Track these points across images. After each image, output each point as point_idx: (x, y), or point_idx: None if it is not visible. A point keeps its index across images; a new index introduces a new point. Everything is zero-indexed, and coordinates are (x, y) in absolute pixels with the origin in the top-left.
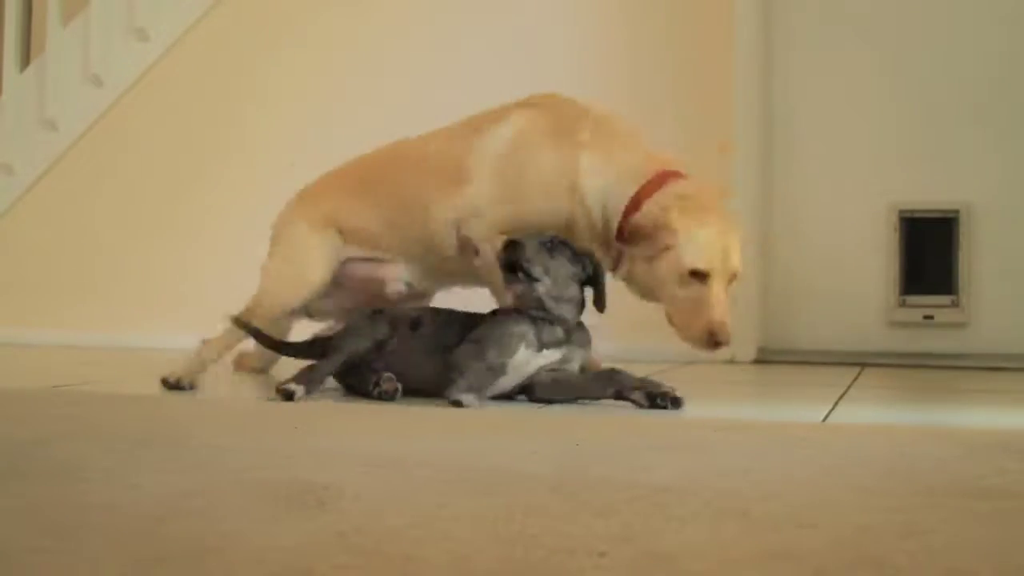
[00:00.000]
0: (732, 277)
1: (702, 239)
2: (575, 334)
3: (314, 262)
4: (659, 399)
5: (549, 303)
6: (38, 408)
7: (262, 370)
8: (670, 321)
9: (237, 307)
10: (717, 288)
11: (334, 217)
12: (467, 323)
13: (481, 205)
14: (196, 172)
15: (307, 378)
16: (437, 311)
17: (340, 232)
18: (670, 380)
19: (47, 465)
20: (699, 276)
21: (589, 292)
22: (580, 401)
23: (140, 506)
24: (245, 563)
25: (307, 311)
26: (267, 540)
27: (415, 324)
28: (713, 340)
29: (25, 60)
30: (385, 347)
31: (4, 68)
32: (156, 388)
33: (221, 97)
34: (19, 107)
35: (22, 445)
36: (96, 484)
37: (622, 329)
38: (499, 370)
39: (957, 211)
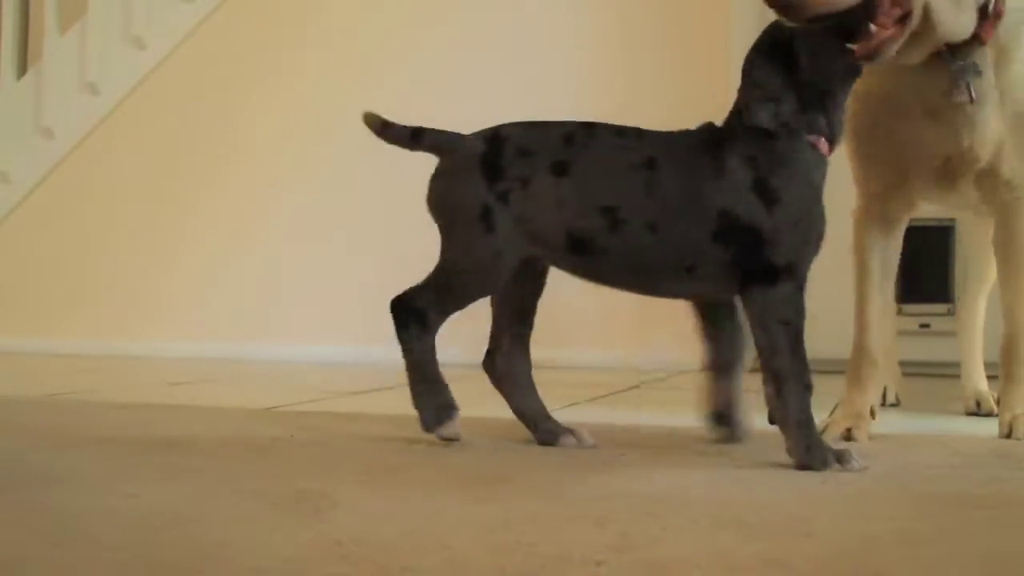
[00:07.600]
0: None
1: None
2: None
3: None
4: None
5: None
6: (34, 416)
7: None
8: None
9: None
10: None
11: None
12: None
13: None
14: (193, 180)
15: (433, 409)
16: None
17: None
18: (668, 388)
19: (43, 473)
20: None
21: None
22: None
23: (137, 514)
24: (241, 572)
25: None
26: (263, 549)
27: (560, 168)
28: None
29: (22, 68)
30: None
31: (1, 76)
32: (152, 396)
33: (218, 105)
34: (16, 115)
35: (18, 453)
36: (92, 492)
37: (621, 336)
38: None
39: (953, 220)
